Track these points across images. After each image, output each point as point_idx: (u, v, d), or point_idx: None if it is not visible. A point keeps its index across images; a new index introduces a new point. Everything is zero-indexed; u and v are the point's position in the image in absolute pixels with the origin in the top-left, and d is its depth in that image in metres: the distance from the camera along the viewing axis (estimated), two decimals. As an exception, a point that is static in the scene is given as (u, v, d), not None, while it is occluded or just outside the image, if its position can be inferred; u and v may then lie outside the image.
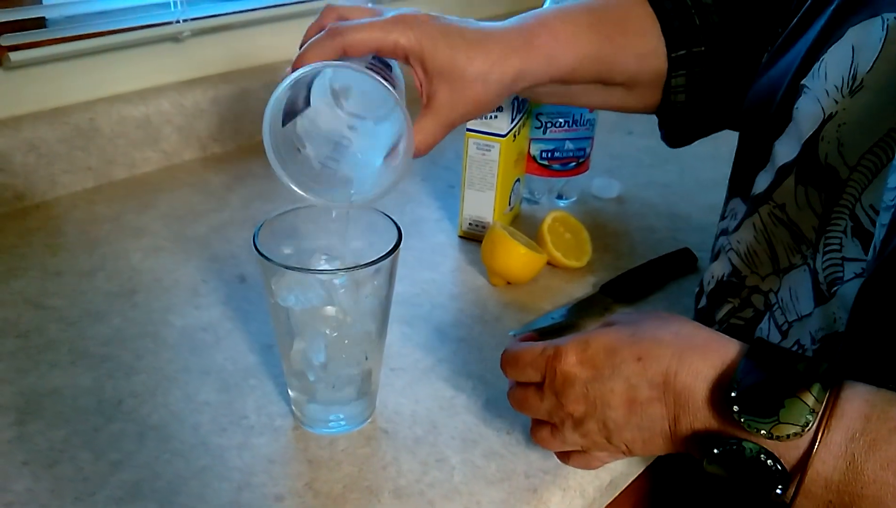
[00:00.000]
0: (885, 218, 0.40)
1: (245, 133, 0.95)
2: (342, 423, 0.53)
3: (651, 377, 0.41)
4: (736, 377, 0.38)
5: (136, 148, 0.86)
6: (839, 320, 0.44)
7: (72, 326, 0.62)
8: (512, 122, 0.71)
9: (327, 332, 0.49)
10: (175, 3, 0.88)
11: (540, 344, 0.45)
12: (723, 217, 0.58)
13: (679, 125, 0.65)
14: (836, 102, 0.45)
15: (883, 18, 0.43)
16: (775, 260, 0.51)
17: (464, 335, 0.63)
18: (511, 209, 0.79)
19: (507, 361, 0.47)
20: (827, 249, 0.45)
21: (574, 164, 0.83)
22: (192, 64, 0.92)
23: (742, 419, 0.37)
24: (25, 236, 0.74)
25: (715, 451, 0.38)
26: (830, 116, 0.45)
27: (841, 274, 0.44)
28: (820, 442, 0.36)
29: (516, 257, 0.68)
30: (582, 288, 0.70)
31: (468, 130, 0.72)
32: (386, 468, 0.50)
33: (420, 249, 0.75)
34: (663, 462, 0.61)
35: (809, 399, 0.36)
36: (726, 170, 0.75)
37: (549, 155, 0.81)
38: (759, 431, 0.37)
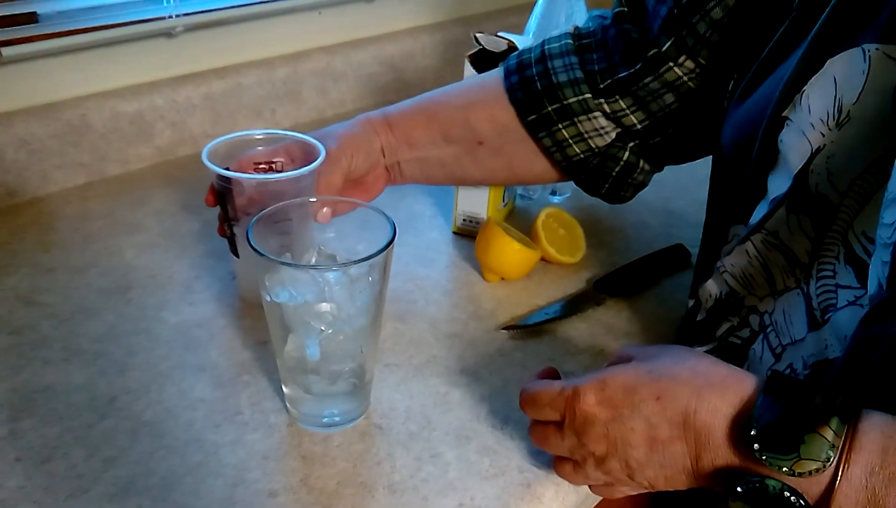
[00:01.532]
0: (885, 255, 0.39)
1: (238, 129, 0.94)
2: (336, 419, 0.53)
3: (671, 417, 0.41)
4: (754, 413, 0.38)
5: (129, 144, 0.86)
6: (830, 347, 0.44)
7: (65, 322, 0.62)
8: (506, 118, 0.71)
9: (321, 328, 0.49)
10: (168, -1, 0.87)
11: (558, 384, 0.46)
12: (727, 241, 0.56)
13: (585, 179, 0.68)
14: (823, 135, 0.44)
15: (863, 50, 0.42)
16: (772, 282, 0.51)
17: (458, 331, 0.63)
18: (505, 205, 0.79)
19: (526, 401, 0.47)
20: (820, 274, 0.45)
21: (568, 160, 0.83)
22: (185, 59, 0.92)
23: (763, 457, 0.37)
24: (17, 233, 0.74)
25: (739, 489, 0.38)
26: (819, 150, 0.45)
27: (834, 301, 0.44)
28: (841, 477, 0.36)
29: (510, 253, 0.68)
30: (575, 284, 0.70)
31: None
32: (380, 463, 0.50)
33: (414, 245, 0.75)
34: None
35: (829, 434, 0.36)
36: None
37: (543, 151, 0.81)
38: (780, 468, 0.37)
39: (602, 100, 0.62)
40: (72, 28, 0.81)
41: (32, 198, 0.80)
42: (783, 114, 0.47)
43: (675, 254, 0.74)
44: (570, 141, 0.64)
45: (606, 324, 0.65)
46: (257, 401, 0.55)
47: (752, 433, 0.38)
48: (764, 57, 0.50)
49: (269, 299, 0.49)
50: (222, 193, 0.59)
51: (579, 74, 0.62)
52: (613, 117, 0.63)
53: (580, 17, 0.78)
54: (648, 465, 0.42)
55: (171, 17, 0.87)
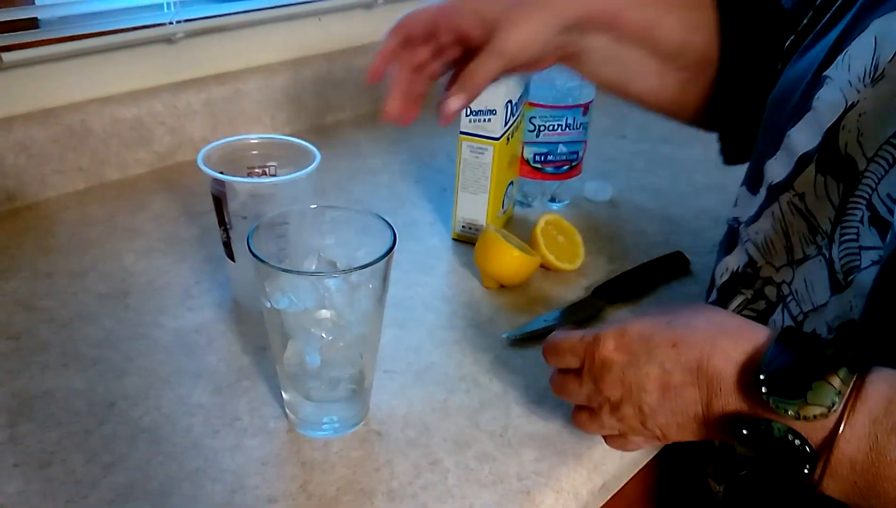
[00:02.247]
0: None
1: (237, 135, 0.94)
2: (336, 425, 0.53)
3: (685, 363, 0.42)
4: (765, 360, 0.39)
5: (128, 149, 0.86)
6: (855, 307, 0.44)
7: (63, 327, 0.62)
8: (505, 125, 0.72)
9: (321, 335, 0.49)
10: (168, 5, 0.88)
11: (579, 332, 0.47)
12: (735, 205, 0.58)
13: (736, 140, 0.64)
14: (858, 92, 0.45)
15: None
16: (790, 251, 0.51)
17: (457, 338, 0.63)
18: (504, 212, 0.79)
19: (548, 349, 0.49)
20: (844, 239, 0.46)
21: (567, 167, 0.83)
22: (185, 65, 0.92)
23: (770, 400, 0.38)
24: (16, 237, 0.74)
25: (744, 432, 0.39)
26: (852, 106, 0.45)
27: (858, 262, 0.45)
28: (845, 423, 0.37)
29: (509, 259, 0.68)
30: (574, 291, 0.70)
31: (461, 132, 0.72)
32: (379, 470, 0.50)
33: (413, 251, 0.75)
34: (657, 465, 0.61)
35: (836, 382, 0.37)
36: (718, 174, 0.76)
37: (543, 158, 0.82)
38: (786, 411, 0.38)
39: None
40: (72, 34, 0.81)
41: (31, 203, 0.80)
42: (824, 73, 0.48)
43: (674, 261, 0.74)
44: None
45: (605, 331, 0.65)
46: (256, 407, 0.55)
47: (762, 377, 0.38)
48: (819, 26, 0.51)
49: (269, 305, 0.49)
50: (218, 196, 0.59)
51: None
52: None
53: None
54: (661, 411, 0.43)
55: (171, 23, 0.87)
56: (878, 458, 0.36)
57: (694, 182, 0.93)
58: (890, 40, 0.44)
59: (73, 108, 0.83)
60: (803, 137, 0.49)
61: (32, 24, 0.80)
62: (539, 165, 0.82)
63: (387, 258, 0.48)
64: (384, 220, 0.51)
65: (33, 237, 0.74)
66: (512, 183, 0.79)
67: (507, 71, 0.56)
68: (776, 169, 0.51)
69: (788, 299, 0.51)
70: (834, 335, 0.47)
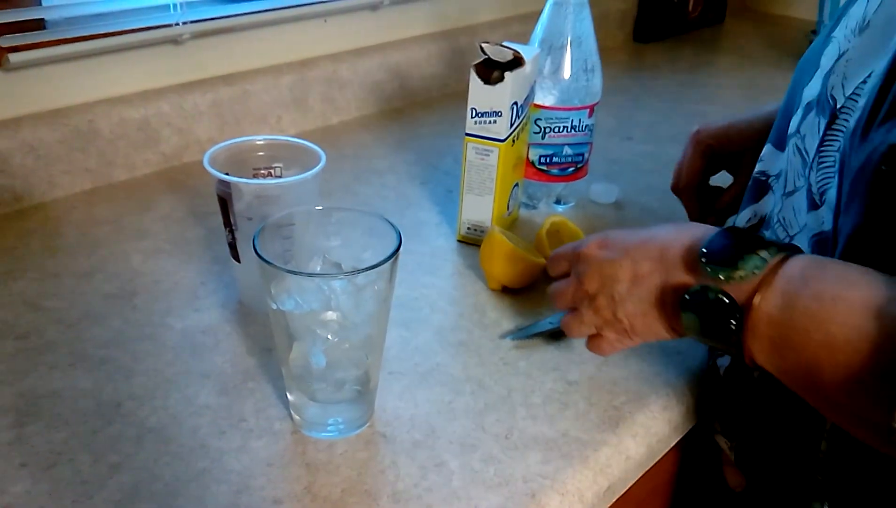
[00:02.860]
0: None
1: (244, 136, 0.95)
2: (341, 427, 0.53)
3: (651, 254, 0.49)
4: (706, 240, 0.46)
5: (135, 150, 0.86)
6: (826, 221, 0.48)
7: (71, 328, 0.62)
8: (511, 127, 0.72)
9: (327, 336, 0.49)
10: (175, 6, 0.88)
11: (572, 243, 0.56)
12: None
13: None
14: (849, 42, 0.50)
15: None
16: (785, 186, 0.55)
17: (462, 339, 0.63)
18: (509, 214, 0.79)
19: (548, 261, 0.59)
20: (821, 165, 0.49)
21: (572, 169, 0.83)
22: (192, 66, 0.92)
23: (708, 269, 0.44)
24: (24, 238, 0.74)
25: (686, 297, 0.46)
26: (842, 54, 0.50)
27: (832, 183, 0.48)
28: (763, 283, 0.42)
29: (514, 261, 0.68)
30: (580, 293, 0.70)
31: (467, 134, 0.72)
32: (384, 472, 0.50)
33: (419, 253, 0.75)
34: (661, 471, 0.61)
35: (763, 254, 0.43)
36: (724, 175, 0.76)
37: (548, 160, 0.82)
38: (718, 275, 0.44)
39: None
40: (79, 35, 0.81)
41: (39, 203, 0.81)
42: (831, 34, 0.53)
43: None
44: None
45: (611, 333, 0.65)
46: (262, 408, 0.55)
47: (703, 250, 0.45)
48: None
49: (275, 307, 0.49)
50: (223, 198, 0.60)
51: None
52: None
53: (586, 25, 0.78)
54: (629, 299, 0.49)
55: (178, 24, 0.88)
56: (791, 311, 0.41)
57: (700, 184, 0.92)
58: None
59: (80, 109, 0.83)
60: (811, 90, 0.53)
61: (39, 25, 0.80)
62: (545, 167, 0.82)
63: (393, 259, 0.48)
64: (390, 222, 0.51)
65: (41, 238, 0.75)
66: (517, 185, 0.79)
67: None
68: (795, 123, 0.55)
69: (777, 226, 0.55)
70: (813, 251, 0.50)
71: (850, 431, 0.42)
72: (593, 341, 0.55)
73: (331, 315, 0.49)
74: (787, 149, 0.56)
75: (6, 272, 0.69)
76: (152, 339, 0.61)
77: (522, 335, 0.63)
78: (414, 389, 0.58)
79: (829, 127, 0.49)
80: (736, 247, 0.44)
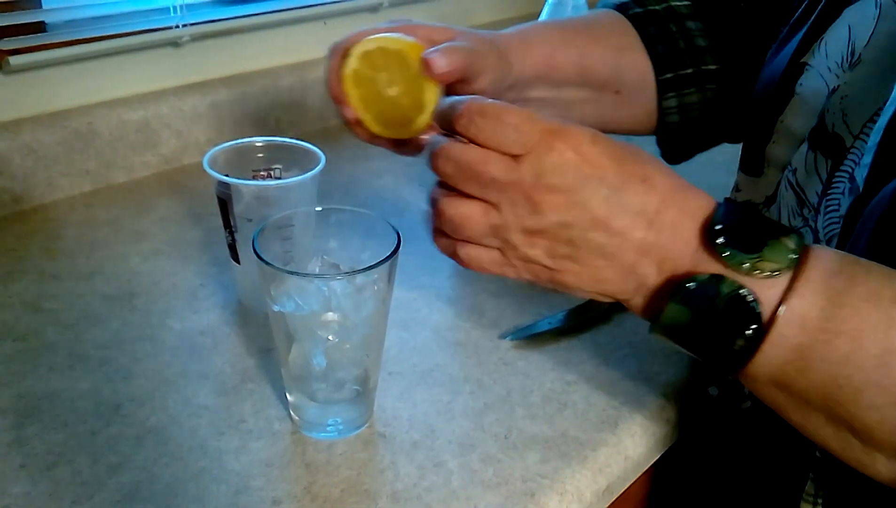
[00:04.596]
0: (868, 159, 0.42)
1: (243, 138, 0.95)
2: (340, 427, 0.53)
3: (647, 203, 0.38)
4: (718, 214, 0.37)
5: (134, 152, 0.87)
6: None
7: (70, 329, 0.62)
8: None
9: (327, 337, 0.49)
10: (175, 9, 0.88)
11: (526, 110, 0.39)
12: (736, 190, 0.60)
13: (677, 143, 0.67)
14: (838, 77, 0.48)
15: None
16: (780, 221, 0.53)
17: (461, 340, 0.63)
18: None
19: (482, 110, 0.40)
20: (828, 210, 0.47)
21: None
22: (192, 69, 0.93)
23: (728, 252, 0.35)
24: (23, 239, 0.74)
25: (689, 285, 0.36)
26: (834, 90, 0.48)
27: (838, 230, 0.46)
28: (800, 278, 0.35)
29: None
30: (579, 294, 0.70)
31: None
32: (384, 472, 0.50)
33: (418, 253, 0.75)
34: (661, 469, 0.61)
35: (790, 243, 0.36)
36: (721, 176, 0.76)
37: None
38: (741, 265, 0.35)
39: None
40: (79, 37, 0.81)
41: (38, 205, 0.81)
42: (802, 60, 0.51)
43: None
44: (696, 106, 0.63)
45: (609, 333, 0.65)
46: (261, 409, 0.55)
47: (717, 228, 0.36)
48: (793, 21, 0.54)
49: (275, 308, 0.49)
50: (223, 199, 0.60)
51: (708, 40, 0.62)
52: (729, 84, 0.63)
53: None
54: (584, 245, 0.38)
55: (177, 26, 0.88)
56: (836, 312, 0.34)
57: (698, 184, 0.92)
58: (863, 26, 0.47)
59: (79, 111, 0.83)
60: (797, 121, 0.51)
61: (39, 27, 0.81)
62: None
63: (392, 260, 0.48)
64: (388, 222, 0.51)
65: (40, 239, 0.75)
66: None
67: None
68: (778, 152, 0.53)
69: None
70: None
71: (839, 455, 0.37)
72: (474, 250, 0.42)
73: (331, 316, 0.49)
74: (771, 177, 0.53)
75: (5, 274, 0.69)
76: (151, 340, 0.61)
77: (521, 335, 0.63)
78: (413, 389, 0.58)
79: (835, 168, 0.47)
80: (754, 229, 0.36)
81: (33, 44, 0.78)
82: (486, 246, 0.41)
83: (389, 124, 0.49)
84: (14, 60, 0.77)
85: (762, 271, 0.35)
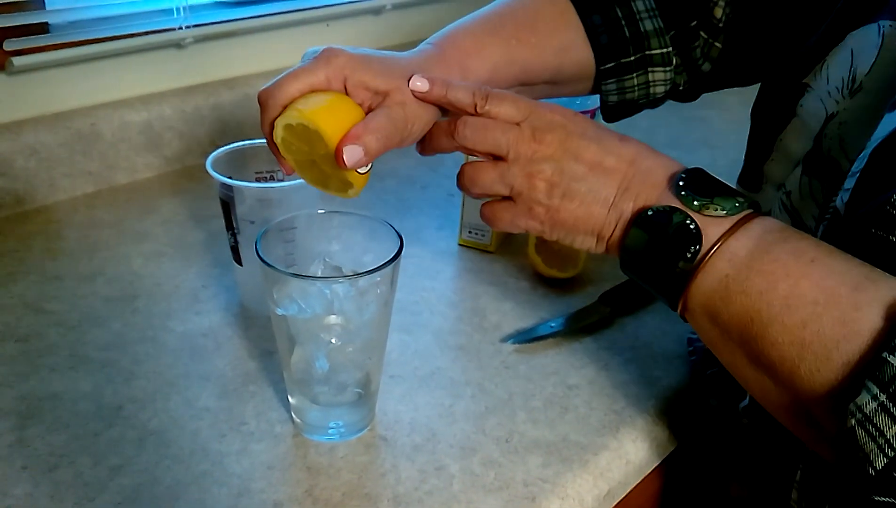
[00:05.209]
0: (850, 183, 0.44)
1: (246, 140, 0.95)
2: (342, 430, 0.53)
3: (624, 153, 0.47)
4: (685, 170, 0.45)
5: (137, 153, 0.87)
6: None
7: (72, 330, 0.62)
8: (512, 131, 0.72)
9: (330, 340, 0.49)
10: (178, 10, 0.88)
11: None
12: None
13: (615, 113, 0.67)
14: (837, 103, 0.48)
15: (879, 25, 0.46)
16: None
17: (463, 343, 0.63)
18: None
19: (493, 95, 0.49)
20: (825, 234, 0.47)
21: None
22: (195, 70, 0.93)
23: (683, 193, 0.43)
24: (25, 240, 0.75)
25: (649, 213, 0.44)
26: (833, 116, 0.48)
27: None
28: (737, 225, 0.42)
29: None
30: (581, 297, 0.70)
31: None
32: (385, 475, 0.50)
33: (420, 256, 0.75)
34: (663, 474, 0.61)
35: (740, 199, 0.43)
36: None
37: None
38: (693, 203, 0.43)
39: (676, 49, 0.62)
40: (82, 38, 0.81)
41: (41, 206, 0.81)
42: (804, 81, 0.51)
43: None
44: (636, 88, 0.63)
45: (611, 337, 0.65)
46: (263, 411, 0.55)
47: (683, 174, 0.44)
48: (799, 32, 0.54)
49: (278, 311, 0.49)
50: (226, 201, 0.60)
51: (661, 21, 0.61)
52: (685, 67, 0.63)
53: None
54: (578, 184, 0.46)
55: (181, 28, 0.88)
56: (762, 255, 0.40)
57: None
58: (865, 54, 0.47)
59: (82, 112, 0.83)
60: (795, 142, 0.51)
61: (43, 28, 0.81)
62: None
63: (394, 263, 0.48)
64: (391, 225, 0.51)
65: (42, 241, 0.75)
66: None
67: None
68: (776, 171, 0.53)
69: None
70: None
71: (763, 402, 0.41)
72: (493, 206, 0.49)
73: (333, 319, 0.49)
74: (769, 194, 0.54)
75: (7, 275, 0.69)
76: (153, 342, 0.61)
77: (523, 338, 0.63)
78: (414, 392, 0.58)
79: (832, 193, 0.47)
80: (713, 186, 0.43)
81: (37, 45, 0.78)
82: (499, 197, 0.49)
83: (327, 186, 0.50)
84: (17, 61, 0.77)
85: (709, 210, 0.42)
